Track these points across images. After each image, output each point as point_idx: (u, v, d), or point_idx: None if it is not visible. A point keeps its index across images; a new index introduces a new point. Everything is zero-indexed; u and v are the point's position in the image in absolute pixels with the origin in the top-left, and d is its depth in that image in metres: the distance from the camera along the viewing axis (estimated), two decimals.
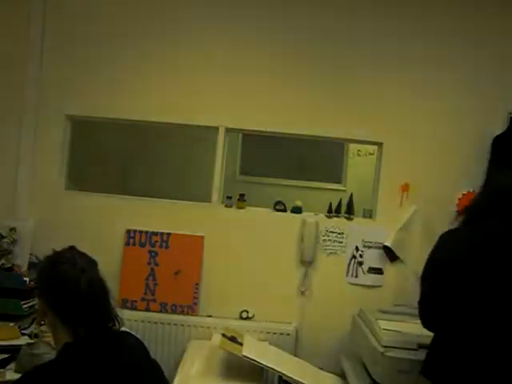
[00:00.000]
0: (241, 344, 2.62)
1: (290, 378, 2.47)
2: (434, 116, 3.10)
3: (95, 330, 1.51)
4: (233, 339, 2.67)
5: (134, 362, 1.56)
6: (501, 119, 3.07)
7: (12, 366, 2.20)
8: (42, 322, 2.55)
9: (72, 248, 1.63)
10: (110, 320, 1.57)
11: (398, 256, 3.08)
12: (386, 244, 3.07)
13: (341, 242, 3.11)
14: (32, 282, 2.78)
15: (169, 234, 3.11)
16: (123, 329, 1.66)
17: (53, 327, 1.55)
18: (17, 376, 2.02)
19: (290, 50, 3.13)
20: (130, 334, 1.71)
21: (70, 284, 1.51)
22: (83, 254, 1.62)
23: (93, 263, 1.61)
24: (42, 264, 1.62)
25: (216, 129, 3.16)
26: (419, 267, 3.07)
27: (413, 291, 3.05)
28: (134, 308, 3.06)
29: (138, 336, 1.74)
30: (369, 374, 2.37)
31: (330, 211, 3.15)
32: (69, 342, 1.50)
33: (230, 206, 3.16)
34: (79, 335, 1.49)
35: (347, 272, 3.11)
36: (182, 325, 3.02)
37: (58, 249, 1.63)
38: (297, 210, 3.16)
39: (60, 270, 1.53)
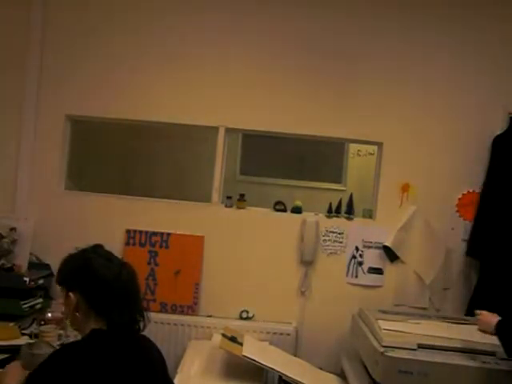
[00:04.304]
0: (241, 344, 2.62)
1: (290, 378, 2.47)
2: (434, 116, 3.10)
3: (126, 321, 1.55)
4: (233, 339, 2.67)
5: (150, 359, 1.61)
6: (501, 119, 3.08)
7: None
8: (43, 322, 2.57)
9: (100, 246, 1.67)
10: (139, 315, 1.60)
11: (398, 256, 3.08)
12: (386, 244, 3.07)
13: (341, 242, 3.11)
14: (32, 282, 2.78)
15: (169, 234, 3.11)
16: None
17: (84, 320, 1.57)
18: None
19: (290, 51, 3.13)
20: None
21: (111, 277, 1.55)
22: (110, 252, 1.66)
23: (122, 259, 1.66)
24: (72, 261, 1.63)
25: (216, 129, 3.16)
26: (419, 267, 3.10)
27: (413, 291, 3.09)
28: None
29: None
30: (369, 374, 2.37)
31: (330, 211, 3.15)
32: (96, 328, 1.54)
33: (230, 206, 3.16)
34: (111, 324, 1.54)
35: (347, 272, 3.11)
36: (182, 325, 3.02)
37: (81, 247, 1.66)
38: (297, 210, 3.16)
39: (98, 265, 1.57)
